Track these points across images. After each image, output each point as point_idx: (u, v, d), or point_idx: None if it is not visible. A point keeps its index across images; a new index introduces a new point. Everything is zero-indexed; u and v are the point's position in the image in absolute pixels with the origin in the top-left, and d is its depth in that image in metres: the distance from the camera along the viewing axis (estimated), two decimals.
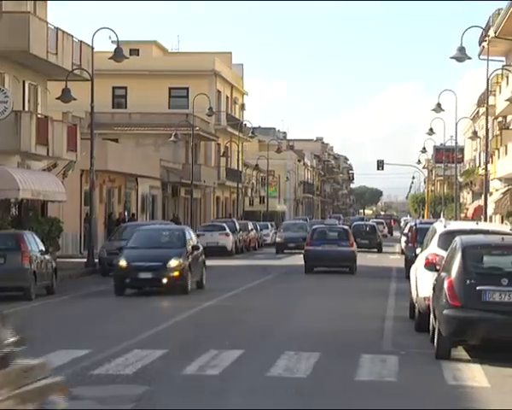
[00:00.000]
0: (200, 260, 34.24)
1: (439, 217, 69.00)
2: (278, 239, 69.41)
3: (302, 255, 46.58)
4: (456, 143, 79.95)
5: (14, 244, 30.38)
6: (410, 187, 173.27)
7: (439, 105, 60.44)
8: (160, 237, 34.38)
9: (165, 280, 31.10)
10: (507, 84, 54.04)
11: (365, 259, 54.78)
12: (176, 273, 31.20)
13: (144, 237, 34.04)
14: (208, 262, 36.89)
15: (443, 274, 18.55)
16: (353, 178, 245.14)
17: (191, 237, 34.63)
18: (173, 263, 31.24)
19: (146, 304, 29.36)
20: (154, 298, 31.05)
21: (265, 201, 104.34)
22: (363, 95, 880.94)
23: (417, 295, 22.51)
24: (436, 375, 16.30)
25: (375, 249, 68.91)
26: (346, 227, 54.31)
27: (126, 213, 60.48)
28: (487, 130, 55.77)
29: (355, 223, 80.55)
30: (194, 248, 33.54)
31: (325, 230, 49.04)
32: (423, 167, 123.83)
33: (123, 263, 31.80)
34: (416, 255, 26.10)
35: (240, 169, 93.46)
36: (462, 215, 73.93)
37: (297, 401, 13.97)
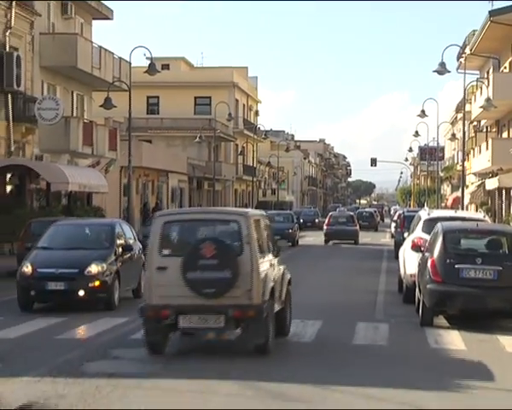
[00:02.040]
0: (135, 263, 22.57)
1: (424, 206, 69.00)
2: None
3: (323, 233, 56.03)
4: (438, 143, 79.79)
5: None
6: (399, 181, 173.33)
7: (423, 111, 60.24)
8: (81, 235, 22.54)
9: (81, 293, 20.00)
10: (481, 93, 53.88)
11: (363, 239, 58.23)
12: (96, 283, 20.06)
13: (60, 235, 22.27)
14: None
15: (426, 254, 18.56)
16: (350, 174, 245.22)
17: (124, 233, 22.86)
18: (93, 269, 20.20)
19: None
20: None
21: (276, 192, 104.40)
22: (359, 103, 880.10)
23: (405, 272, 22.52)
24: (420, 340, 16.30)
25: (373, 229, 76.49)
26: (351, 213, 63.50)
27: (160, 204, 60.52)
28: (464, 133, 55.53)
29: (358, 210, 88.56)
30: (126, 248, 22.06)
31: (338, 215, 59.53)
32: (410, 164, 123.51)
33: (27, 269, 20.55)
34: (404, 239, 26.12)
35: (254, 166, 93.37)
36: (443, 205, 73.73)
37: (304, 360, 13.98)
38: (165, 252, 14.44)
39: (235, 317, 14.05)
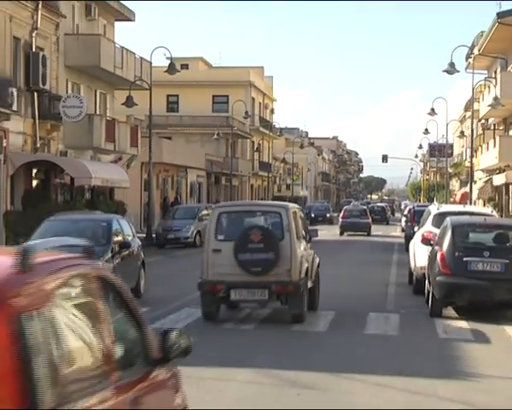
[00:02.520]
0: (134, 260, 21.11)
1: (433, 201, 68.82)
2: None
3: (338, 225, 58.87)
4: (447, 140, 79.69)
5: None
6: (409, 176, 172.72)
7: (432, 110, 60.15)
8: (75, 231, 19.37)
9: None
10: (489, 92, 53.70)
11: (375, 232, 59.64)
12: None
13: (53, 231, 19.19)
14: None
15: (436, 248, 18.54)
16: (362, 169, 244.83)
17: (121, 230, 21.28)
18: None
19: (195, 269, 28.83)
20: None
21: (291, 187, 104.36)
22: (371, 101, 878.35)
23: (415, 264, 22.50)
24: (430, 330, 16.30)
25: (385, 222, 77.61)
26: (364, 207, 65.94)
27: (180, 198, 60.62)
28: (472, 130, 55.44)
29: (371, 205, 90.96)
30: (124, 245, 20.48)
31: (352, 209, 61.88)
32: (420, 161, 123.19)
33: None
34: (414, 232, 26.07)
35: (270, 162, 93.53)
36: (452, 200, 73.53)
37: (318, 349, 14.01)
38: (220, 237, 16.95)
39: (277, 291, 16.56)
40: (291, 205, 18.51)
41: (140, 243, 22.24)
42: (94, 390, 4.65)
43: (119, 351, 5.30)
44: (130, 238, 21.47)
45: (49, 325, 4.42)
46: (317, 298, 18.79)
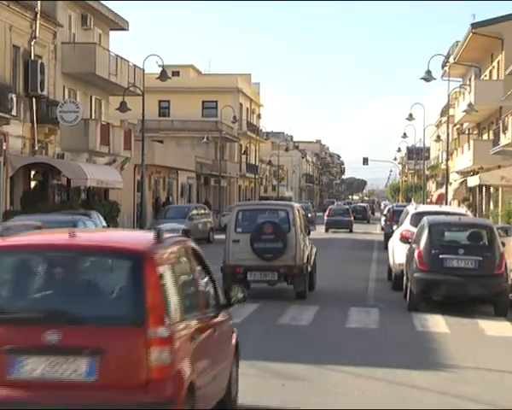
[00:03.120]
0: None
1: (411, 201, 68.93)
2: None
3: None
4: (424, 144, 79.62)
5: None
6: (388, 178, 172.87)
7: (410, 115, 60.26)
8: None
9: None
10: (463, 99, 53.83)
11: (357, 229, 60.97)
12: None
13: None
14: None
15: (414, 246, 18.59)
16: (344, 171, 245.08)
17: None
18: None
19: None
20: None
21: (276, 188, 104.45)
22: (352, 107, 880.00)
23: (394, 261, 22.53)
24: (408, 323, 16.33)
25: (366, 221, 79.20)
26: (347, 207, 69.71)
27: (171, 198, 60.51)
28: (448, 134, 55.58)
29: (354, 205, 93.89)
30: None
31: (336, 208, 65.63)
32: (398, 163, 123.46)
33: None
34: (393, 231, 26.13)
35: (257, 164, 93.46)
36: (428, 200, 73.63)
37: (302, 342, 14.01)
38: (239, 230, 19.87)
39: (284, 273, 19.49)
40: (295, 204, 22.16)
41: None
42: (193, 315, 7.74)
43: (204, 296, 8.41)
44: None
45: (173, 273, 7.48)
46: (314, 280, 21.68)
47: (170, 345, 6.90)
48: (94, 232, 12.49)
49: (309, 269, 20.57)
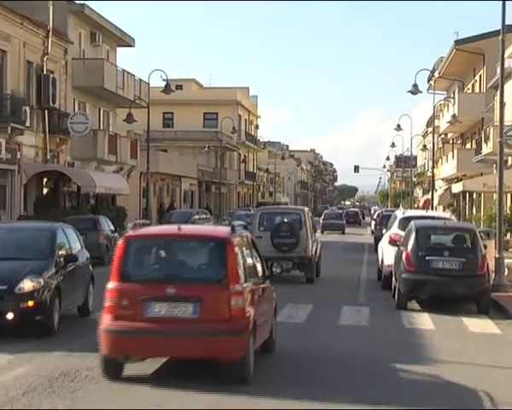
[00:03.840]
0: (81, 276, 16.20)
1: (399, 207, 68.95)
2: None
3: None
4: (411, 153, 79.77)
5: (93, 225, 30.44)
6: (378, 185, 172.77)
7: (398, 126, 60.32)
8: (12, 242, 15.42)
9: (10, 315, 13.57)
10: (448, 111, 53.90)
11: (349, 232, 61.93)
12: (30, 303, 13.66)
13: None
14: None
15: (402, 248, 18.59)
16: (337, 178, 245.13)
17: (67, 240, 16.07)
18: (26, 286, 13.76)
19: None
20: None
21: (273, 195, 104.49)
22: (344, 117, 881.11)
23: (383, 263, 22.53)
24: (396, 320, 16.33)
25: (358, 224, 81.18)
26: (340, 211, 73.80)
27: (175, 204, 60.51)
28: (433, 144, 55.60)
29: (347, 210, 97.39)
30: (70, 259, 15.51)
31: (330, 213, 69.54)
32: (387, 171, 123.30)
33: None
34: (382, 234, 26.10)
35: (254, 172, 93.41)
36: (415, 205, 73.65)
37: (297, 338, 14.00)
38: (261, 228, 23.57)
39: (297, 263, 23.16)
40: (306, 209, 25.74)
41: (89, 256, 17.21)
42: (252, 280, 11.02)
43: (257, 268, 11.79)
44: (77, 250, 16.24)
45: (241, 252, 10.77)
46: (320, 269, 25.19)
47: (242, 296, 10.29)
48: (191, 227, 17.94)
49: (316, 260, 24.41)
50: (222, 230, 12.10)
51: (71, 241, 16.17)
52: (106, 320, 10.47)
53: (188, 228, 12.64)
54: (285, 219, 23.86)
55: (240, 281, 10.36)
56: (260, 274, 11.95)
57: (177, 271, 10.82)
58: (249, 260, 11.42)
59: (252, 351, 10.54)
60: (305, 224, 23.60)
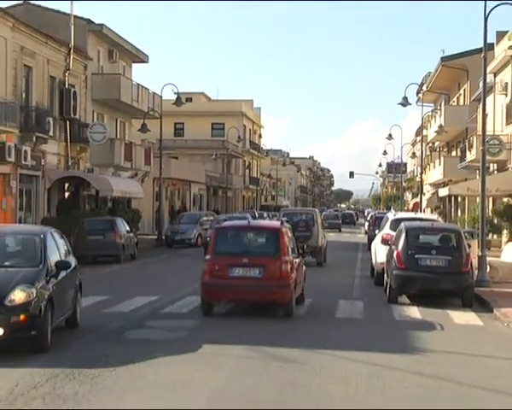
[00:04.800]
0: (71, 284, 13.49)
1: (390, 209, 68.89)
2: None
3: None
4: (402, 160, 79.89)
5: (110, 226, 30.50)
6: (371, 189, 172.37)
7: (390, 135, 60.37)
8: (0, 248, 12.81)
9: (0, 331, 10.94)
10: (435, 121, 53.90)
11: (345, 232, 63.21)
12: (21, 317, 11.08)
13: None
14: None
15: (393, 247, 18.59)
16: (333, 183, 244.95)
17: (57, 245, 13.31)
18: (18, 297, 11.17)
19: (197, 265, 28.21)
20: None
21: (275, 198, 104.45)
22: (340, 127, 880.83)
23: (376, 261, 22.52)
24: (387, 313, 16.32)
25: (353, 224, 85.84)
26: (337, 213, 79.93)
27: (185, 207, 60.51)
28: (422, 152, 55.69)
29: (343, 212, 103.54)
30: (63, 266, 12.89)
31: (329, 214, 73.62)
32: (380, 176, 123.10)
33: None
34: (375, 235, 26.10)
35: (258, 177, 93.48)
36: (405, 208, 73.64)
37: (297, 330, 14.01)
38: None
39: (311, 251, 25.87)
40: (317, 210, 31.90)
41: (76, 262, 14.27)
42: (293, 255, 15.94)
43: (295, 247, 16.74)
44: (65, 256, 13.47)
45: (288, 238, 15.95)
46: (326, 256, 29.57)
47: (288, 264, 15.20)
48: (255, 221, 24.24)
49: (324, 249, 29.25)
50: (275, 223, 17.51)
51: (59, 246, 13.32)
52: (205, 278, 15.27)
53: (253, 222, 19.05)
54: (302, 218, 28.59)
55: (286, 255, 15.36)
56: (296, 252, 16.75)
57: (248, 248, 15.87)
58: (291, 243, 16.23)
59: (294, 299, 15.51)
60: (317, 222, 28.87)
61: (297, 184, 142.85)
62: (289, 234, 16.45)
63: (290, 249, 15.75)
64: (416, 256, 17.55)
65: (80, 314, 14.01)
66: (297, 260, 16.33)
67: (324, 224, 63.29)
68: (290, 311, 15.24)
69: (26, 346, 11.35)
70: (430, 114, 57.93)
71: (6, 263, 12.13)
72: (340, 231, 65.32)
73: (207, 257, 15.46)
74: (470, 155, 40.52)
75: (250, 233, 16.38)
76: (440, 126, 47.19)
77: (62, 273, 12.73)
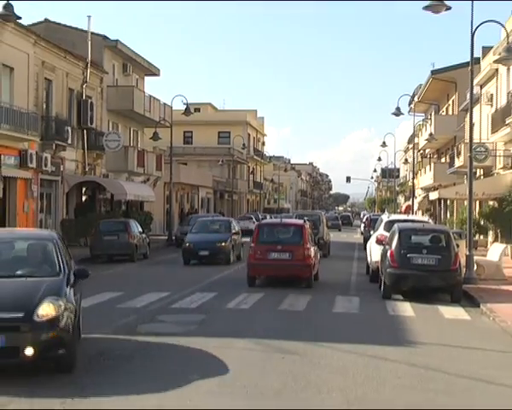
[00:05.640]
0: (78, 294, 10.48)
1: (384, 212, 68.79)
2: None
3: None
4: (395, 166, 79.76)
5: (124, 227, 30.45)
6: (367, 193, 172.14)
7: (384, 143, 60.35)
8: (13, 254, 10.53)
9: (29, 351, 8.57)
10: (425, 130, 53.87)
11: (343, 231, 64.01)
12: (53, 334, 8.75)
13: None
14: (242, 240, 30.64)
15: (387, 247, 18.56)
16: (331, 187, 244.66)
17: (67, 251, 10.76)
18: (47, 311, 8.76)
19: (202, 266, 27.88)
20: (208, 265, 27.87)
21: (277, 201, 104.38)
22: (338, 135, 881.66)
23: (371, 259, 22.50)
24: (382, 308, 16.29)
25: (350, 225, 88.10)
26: (337, 215, 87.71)
27: (195, 209, 60.48)
28: (414, 158, 55.61)
29: (341, 214, 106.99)
30: (80, 273, 10.45)
31: (329, 216, 72.90)
32: (374, 181, 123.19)
33: None
34: (370, 235, 26.10)
35: (261, 182, 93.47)
36: (398, 211, 73.54)
37: (297, 323, 14.00)
38: None
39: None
40: (323, 212, 39.49)
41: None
42: (311, 243, 20.72)
43: (313, 238, 21.96)
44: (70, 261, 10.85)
45: (308, 231, 20.85)
46: (330, 249, 33.19)
47: (309, 250, 19.71)
48: (286, 219, 24.45)
49: (328, 243, 33.04)
50: (300, 220, 21.99)
51: (65, 251, 10.83)
52: (250, 260, 19.93)
53: (284, 220, 22.57)
54: (310, 218, 29.73)
55: (308, 244, 20.01)
56: (313, 241, 21.42)
57: (281, 239, 20.16)
58: (310, 236, 20.80)
59: (312, 275, 20.16)
60: (322, 221, 32.71)
61: (297, 188, 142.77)
62: (309, 229, 20.84)
63: (310, 240, 20.42)
64: (408, 255, 17.53)
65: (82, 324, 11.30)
66: (314, 248, 21.01)
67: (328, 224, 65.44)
68: (310, 283, 19.78)
69: (52, 366, 9.27)
70: (421, 123, 57.94)
71: (18, 272, 9.85)
72: (339, 230, 66.89)
73: (252, 245, 19.96)
74: (458, 162, 40.48)
75: (281, 228, 20.69)
76: (431, 135, 47.15)
77: (78, 282, 10.50)
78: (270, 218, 61.31)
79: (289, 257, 19.50)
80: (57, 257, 10.16)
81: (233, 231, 29.02)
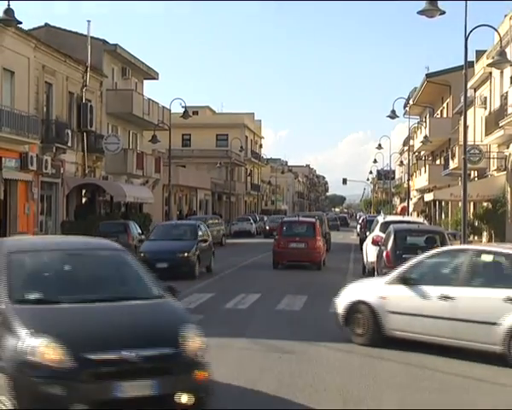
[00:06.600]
0: None
1: (380, 213, 68.79)
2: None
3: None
4: (390, 168, 79.74)
5: (123, 229, 30.46)
6: (363, 194, 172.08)
7: (379, 145, 60.38)
8: (95, 271, 7.99)
9: (185, 399, 6.53)
10: (420, 132, 53.92)
11: (340, 233, 63.28)
12: (206, 373, 6.99)
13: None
14: (238, 240, 33.53)
15: (382, 248, 18.59)
16: (328, 189, 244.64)
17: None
18: (194, 344, 6.96)
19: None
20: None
21: (274, 203, 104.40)
22: (334, 138, 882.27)
23: (367, 260, 22.55)
24: None
25: (346, 226, 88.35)
26: (335, 216, 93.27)
27: (194, 210, 60.48)
28: (409, 160, 55.67)
29: (339, 215, 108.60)
30: (172, 291, 8.23)
31: (329, 217, 72.40)
32: (370, 183, 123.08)
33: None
34: (366, 236, 26.15)
35: (259, 184, 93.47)
36: (394, 212, 73.54)
37: (294, 324, 14.02)
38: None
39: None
40: (324, 213, 46.84)
41: None
42: (321, 236, 27.24)
43: (322, 232, 28.95)
44: None
45: (319, 226, 27.53)
46: (330, 244, 36.74)
47: (320, 241, 26.41)
48: (302, 218, 29.71)
49: (329, 239, 37.11)
50: (313, 219, 28.26)
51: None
52: (276, 248, 25.77)
53: (301, 218, 28.57)
54: (315, 218, 32.45)
55: (319, 236, 25.81)
56: (322, 235, 26.18)
57: (298, 232, 26.08)
58: (320, 230, 26.06)
59: (322, 260, 26.14)
60: (324, 221, 36.94)
61: (294, 190, 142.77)
62: (319, 226, 27.01)
63: (320, 233, 26.41)
64: (403, 256, 17.49)
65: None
66: (323, 240, 27.27)
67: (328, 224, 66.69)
68: (320, 266, 25.89)
69: None
70: (416, 125, 57.95)
71: (115, 294, 7.47)
72: (338, 230, 69.54)
73: (277, 237, 26.14)
74: (453, 164, 40.55)
75: (298, 224, 27.10)
76: (425, 137, 47.19)
77: None
78: (268, 218, 63.71)
79: (304, 246, 25.55)
80: (144, 273, 8.11)
81: (200, 238, 22.81)
